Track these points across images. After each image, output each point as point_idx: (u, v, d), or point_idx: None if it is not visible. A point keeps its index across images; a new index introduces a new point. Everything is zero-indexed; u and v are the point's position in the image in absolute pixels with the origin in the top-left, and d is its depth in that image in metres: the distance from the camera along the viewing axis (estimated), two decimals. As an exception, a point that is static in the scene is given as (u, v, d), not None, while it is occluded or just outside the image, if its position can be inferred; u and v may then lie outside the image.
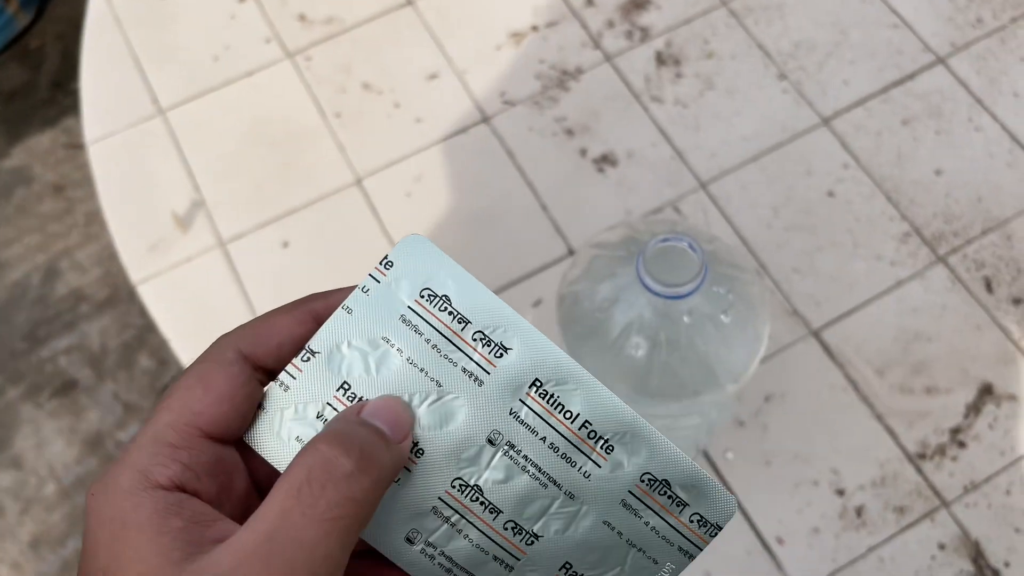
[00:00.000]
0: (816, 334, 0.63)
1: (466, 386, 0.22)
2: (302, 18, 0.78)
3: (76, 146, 0.85)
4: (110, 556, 0.19)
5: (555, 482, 0.22)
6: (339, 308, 0.22)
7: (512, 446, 0.22)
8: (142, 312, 0.71)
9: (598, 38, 0.75)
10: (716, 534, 0.22)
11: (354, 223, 0.69)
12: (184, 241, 0.69)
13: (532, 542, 0.22)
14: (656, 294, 0.39)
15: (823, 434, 0.60)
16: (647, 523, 0.22)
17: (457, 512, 0.22)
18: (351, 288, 0.22)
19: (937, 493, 0.58)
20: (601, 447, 0.22)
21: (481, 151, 0.71)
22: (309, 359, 0.22)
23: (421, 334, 0.22)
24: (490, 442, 0.22)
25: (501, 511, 0.22)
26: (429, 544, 0.22)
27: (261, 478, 0.22)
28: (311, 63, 0.76)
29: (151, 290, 0.68)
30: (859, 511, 0.58)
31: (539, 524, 0.22)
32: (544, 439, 0.22)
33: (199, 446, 0.21)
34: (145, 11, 0.79)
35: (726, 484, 0.59)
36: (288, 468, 0.19)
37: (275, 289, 0.67)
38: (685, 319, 0.42)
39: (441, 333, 0.22)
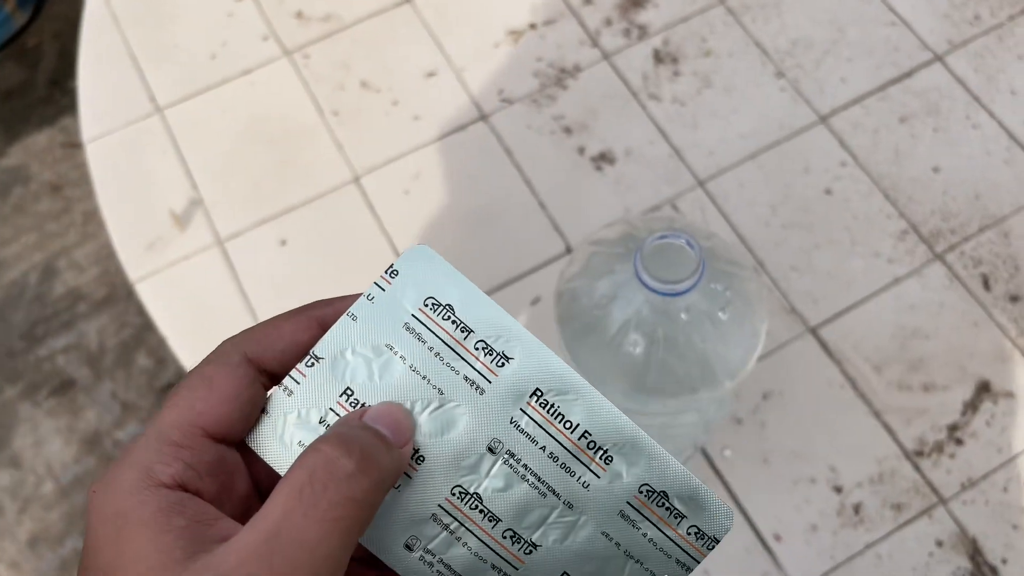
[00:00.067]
0: (814, 331, 0.63)
1: (468, 394, 0.22)
2: (300, 16, 0.77)
3: (73, 145, 0.85)
4: (112, 553, 0.19)
5: (554, 491, 0.22)
6: (344, 315, 0.22)
7: (512, 455, 0.22)
8: (140, 311, 0.71)
9: (596, 36, 0.75)
10: (713, 547, 0.22)
11: (352, 221, 0.69)
12: (182, 239, 0.69)
13: (530, 551, 0.22)
14: (654, 291, 0.39)
15: (821, 431, 0.60)
16: (645, 535, 0.22)
17: (456, 520, 0.22)
18: (356, 296, 0.22)
19: (935, 490, 0.58)
20: (600, 457, 0.22)
21: (479, 149, 0.71)
22: (313, 364, 0.22)
23: (424, 342, 0.22)
24: (490, 450, 0.22)
25: (500, 519, 0.22)
26: (428, 551, 0.22)
27: (262, 480, 0.22)
28: (309, 61, 0.76)
29: (149, 289, 0.68)
30: (857, 508, 0.58)
31: (538, 533, 0.22)
32: (544, 448, 0.22)
33: (201, 446, 0.21)
34: (142, 9, 0.79)
35: (724, 482, 0.59)
36: (290, 469, 0.19)
37: (273, 287, 0.67)
38: (683, 316, 0.42)
39: (444, 342, 0.22)
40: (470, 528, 0.22)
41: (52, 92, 0.88)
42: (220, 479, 0.21)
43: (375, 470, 0.20)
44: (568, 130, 0.71)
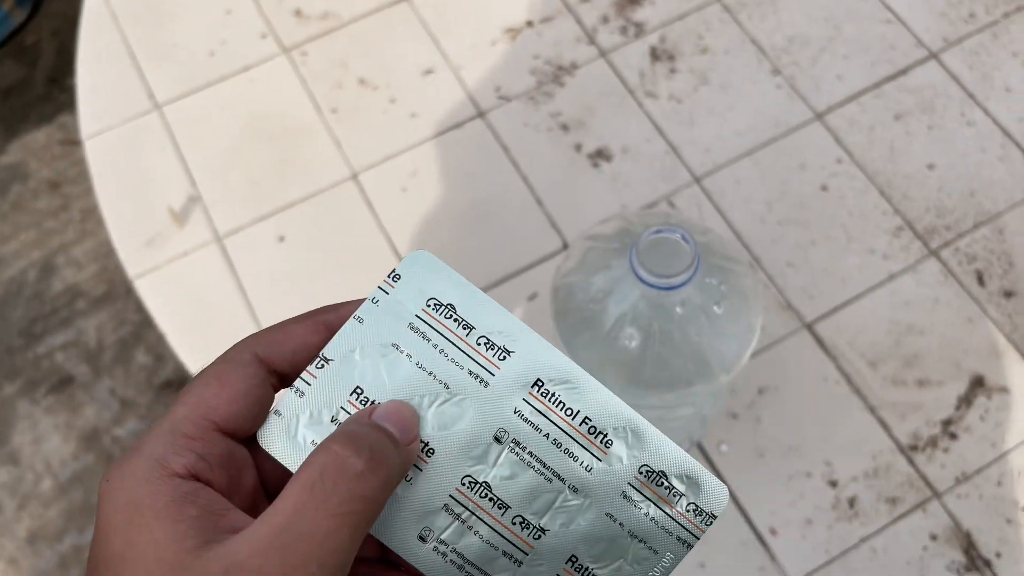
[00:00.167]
0: (809, 327, 0.63)
1: (472, 387, 0.23)
2: (298, 13, 0.78)
3: (72, 142, 0.85)
4: (124, 542, 0.19)
5: (559, 476, 0.23)
6: (351, 318, 0.23)
7: (517, 443, 0.23)
8: (139, 308, 0.71)
9: (593, 33, 0.76)
10: (711, 523, 0.23)
11: (350, 218, 0.69)
12: (180, 236, 0.70)
13: (539, 536, 0.23)
14: (649, 285, 0.40)
15: (816, 426, 0.60)
16: (647, 514, 0.23)
17: (467, 509, 0.22)
18: (361, 300, 0.24)
19: (929, 484, 0.59)
20: (601, 442, 0.23)
21: (476, 146, 0.71)
22: (323, 366, 0.23)
23: (429, 340, 0.23)
24: (496, 440, 0.23)
25: (509, 506, 0.23)
26: (441, 542, 0.22)
27: (269, 479, 0.23)
28: (307, 58, 0.76)
29: (147, 285, 0.68)
30: (852, 502, 0.58)
31: (545, 518, 0.23)
32: (547, 435, 0.23)
33: (213, 439, 0.21)
34: (140, 7, 0.79)
35: (720, 476, 0.59)
36: (302, 466, 0.20)
37: (271, 283, 0.68)
38: (678, 310, 0.42)
39: (447, 339, 0.23)
40: (481, 516, 0.22)
41: (51, 89, 0.88)
42: (230, 472, 0.22)
43: (383, 468, 0.20)
44: (565, 127, 0.72)
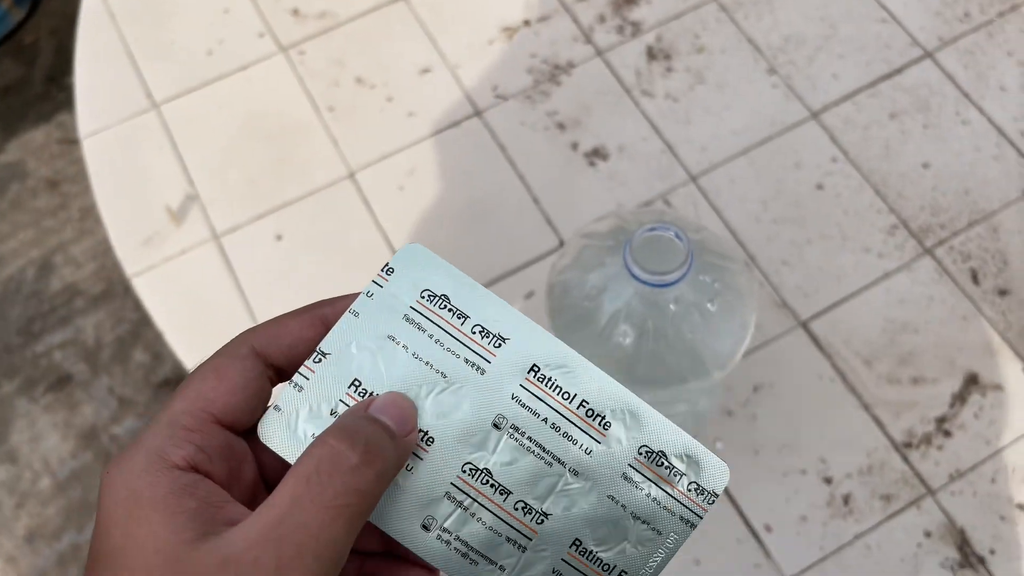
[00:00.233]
0: (804, 325, 0.64)
1: (469, 375, 0.23)
2: (295, 12, 0.78)
3: (70, 141, 0.85)
4: (124, 534, 0.20)
5: (559, 460, 0.23)
6: (346, 312, 0.23)
7: (516, 429, 0.23)
8: (137, 306, 0.71)
9: (589, 33, 0.76)
10: (713, 501, 0.23)
11: (347, 216, 0.70)
12: (178, 235, 0.70)
13: (542, 521, 0.23)
14: (643, 282, 0.40)
15: (811, 424, 0.61)
16: (648, 494, 0.23)
17: (469, 496, 0.23)
18: (356, 294, 0.24)
19: (923, 481, 0.59)
20: (599, 424, 0.23)
21: (473, 145, 0.72)
22: (320, 360, 0.23)
23: (424, 331, 0.23)
24: (495, 426, 0.23)
25: (511, 492, 0.23)
26: (444, 530, 0.23)
27: (269, 472, 0.23)
28: (304, 57, 0.76)
29: (145, 284, 0.69)
30: (846, 499, 0.59)
31: (548, 502, 0.23)
32: (545, 420, 0.23)
33: (211, 430, 0.21)
34: (138, 5, 0.79)
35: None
36: (299, 459, 0.20)
37: (269, 282, 0.68)
38: (672, 307, 0.42)
39: (443, 329, 0.23)
40: (483, 503, 0.23)
41: (49, 88, 0.88)
42: (229, 464, 0.22)
43: (378, 461, 0.21)
44: (562, 126, 0.72)
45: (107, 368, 0.78)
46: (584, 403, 0.23)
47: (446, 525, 0.22)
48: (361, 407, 0.22)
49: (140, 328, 0.78)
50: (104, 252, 0.80)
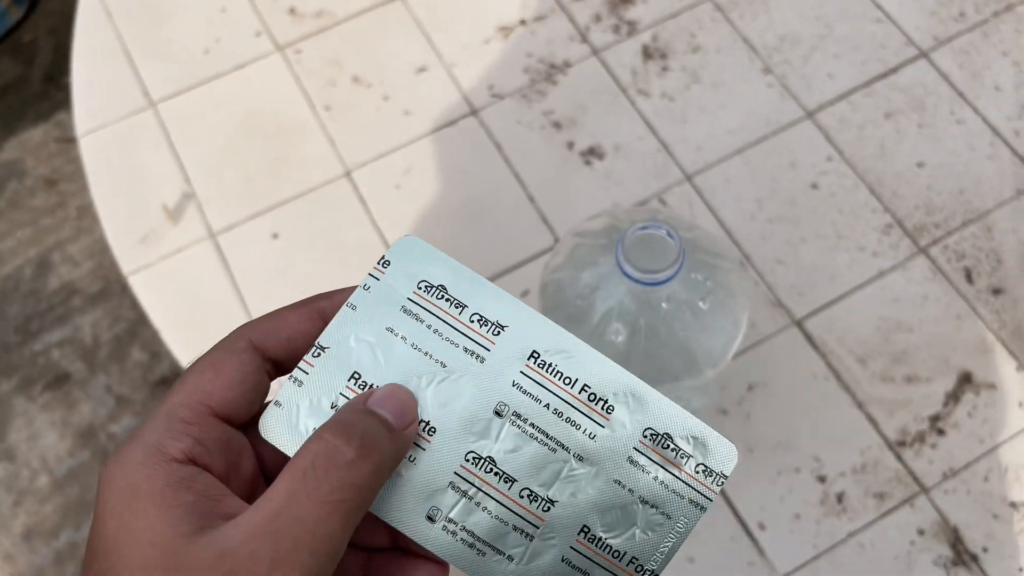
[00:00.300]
0: (799, 324, 0.64)
1: (469, 364, 0.23)
2: (292, 12, 0.78)
3: (68, 140, 0.85)
4: (120, 527, 0.20)
5: (563, 446, 0.22)
6: (344, 306, 0.23)
7: (518, 415, 0.23)
8: (134, 305, 0.71)
9: (585, 32, 0.76)
10: (723, 483, 0.23)
11: (344, 215, 0.70)
12: (175, 233, 0.70)
13: (549, 508, 0.22)
14: (635, 280, 0.40)
15: (805, 422, 0.61)
16: (655, 477, 0.22)
17: (473, 485, 0.22)
18: (353, 288, 0.24)
19: (917, 480, 0.59)
20: (602, 408, 0.23)
21: (470, 144, 0.72)
22: (319, 354, 0.23)
23: (422, 321, 0.23)
24: (497, 414, 0.23)
25: (515, 479, 0.22)
26: (450, 520, 0.22)
27: (268, 467, 0.23)
28: (301, 56, 0.76)
29: (142, 282, 0.69)
30: (840, 497, 0.59)
31: (553, 489, 0.22)
32: (547, 406, 0.23)
33: (209, 423, 0.21)
34: (136, 5, 0.79)
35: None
36: (296, 454, 0.20)
37: (265, 280, 0.68)
38: (664, 305, 0.42)
39: (441, 319, 0.23)
40: (488, 492, 0.22)
41: (47, 87, 0.89)
42: (228, 458, 0.22)
43: (375, 454, 0.21)
44: (558, 125, 0.72)
45: (104, 366, 0.78)
46: (586, 387, 0.23)
47: (451, 516, 0.22)
48: (360, 400, 0.22)
49: (137, 326, 0.78)
50: (101, 250, 0.80)
